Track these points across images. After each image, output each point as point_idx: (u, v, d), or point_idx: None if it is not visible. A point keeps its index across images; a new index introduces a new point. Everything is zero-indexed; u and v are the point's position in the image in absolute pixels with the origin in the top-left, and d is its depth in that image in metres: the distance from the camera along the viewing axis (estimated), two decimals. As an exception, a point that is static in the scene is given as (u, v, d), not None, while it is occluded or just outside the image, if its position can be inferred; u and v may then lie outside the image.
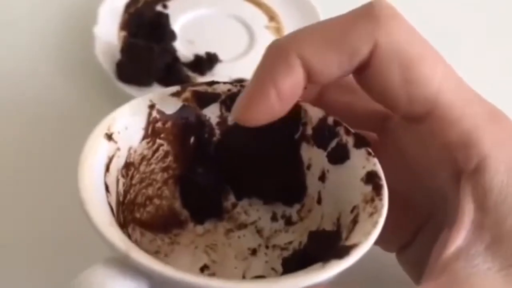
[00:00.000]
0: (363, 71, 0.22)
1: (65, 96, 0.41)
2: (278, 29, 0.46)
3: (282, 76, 0.22)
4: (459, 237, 0.21)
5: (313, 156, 0.26)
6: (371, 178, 0.23)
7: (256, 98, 0.22)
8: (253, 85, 0.23)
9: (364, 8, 0.22)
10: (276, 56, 0.22)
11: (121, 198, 0.24)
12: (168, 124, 0.26)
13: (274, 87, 0.22)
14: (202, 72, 0.42)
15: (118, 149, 0.24)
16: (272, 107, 0.22)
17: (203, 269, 0.26)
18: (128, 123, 0.25)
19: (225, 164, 0.27)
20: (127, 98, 0.38)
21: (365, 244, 0.20)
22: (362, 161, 0.23)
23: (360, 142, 0.24)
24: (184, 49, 0.43)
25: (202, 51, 0.43)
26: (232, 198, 0.28)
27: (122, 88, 0.39)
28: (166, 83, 0.40)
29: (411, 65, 0.22)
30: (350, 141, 0.24)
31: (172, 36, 0.44)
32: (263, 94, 0.22)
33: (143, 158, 0.26)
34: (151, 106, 0.25)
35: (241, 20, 0.47)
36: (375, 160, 0.23)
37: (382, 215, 0.21)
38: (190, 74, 0.41)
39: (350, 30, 0.22)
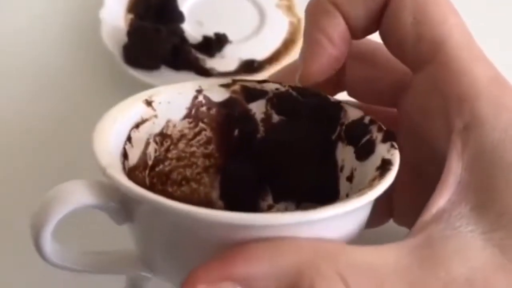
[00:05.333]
0: (383, 13, 0.23)
1: (72, 80, 0.40)
2: (289, 7, 0.45)
3: (326, 22, 0.24)
4: (442, 198, 0.20)
5: (346, 156, 0.25)
6: (383, 165, 0.22)
7: (312, 51, 0.24)
8: (305, 42, 0.25)
9: None
10: (314, 9, 0.25)
11: (149, 162, 0.25)
12: (213, 111, 0.27)
13: (324, 34, 0.24)
14: (211, 54, 0.41)
15: (155, 116, 0.25)
16: (329, 55, 0.24)
17: None
18: (172, 98, 0.26)
19: (266, 162, 0.27)
20: (134, 82, 0.38)
21: (328, 208, 0.18)
22: (383, 153, 0.23)
23: (388, 137, 0.23)
24: (193, 30, 0.42)
25: (211, 32, 0.42)
26: (269, 200, 0.28)
27: (129, 72, 0.38)
28: (174, 65, 0.39)
29: (423, 7, 0.23)
30: (379, 137, 0.23)
31: (180, 17, 0.43)
32: (316, 44, 0.24)
33: (182, 135, 0.26)
34: (199, 91, 0.26)
35: (251, -1, 0.45)
36: (395, 151, 0.22)
37: (369, 194, 0.19)
38: (199, 55, 0.40)
39: None
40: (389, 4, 0.23)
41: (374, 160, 0.23)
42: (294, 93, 0.26)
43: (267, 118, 0.27)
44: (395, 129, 0.24)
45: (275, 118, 0.27)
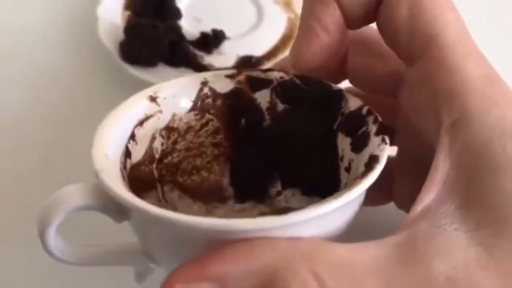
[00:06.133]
0: (380, 4, 0.24)
1: (69, 77, 0.40)
2: (287, 3, 0.45)
3: (321, 11, 0.24)
4: (428, 196, 0.20)
5: (345, 147, 0.25)
6: (369, 162, 0.22)
7: (306, 37, 0.25)
8: (301, 28, 0.25)
9: None
10: None
11: (157, 156, 0.26)
12: (218, 102, 0.27)
13: (318, 22, 0.24)
14: (208, 50, 0.40)
15: (160, 111, 0.25)
16: (322, 42, 0.24)
17: None
18: (177, 92, 0.26)
19: (274, 150, 0.28)
20: (132, 79, 0.37)
21: (300, 212, 0.19)
22: (373, 148, 0.22)
23: (381, 130, 0.23)
24: (190, 27, 0.42)
25: (208, 29, 0.41)
26: (278, 186, 0.28)
27: (126, 69, 0.38)
28: (171, 62, 0.39)
29: (419, 1, 0.22)
30: (373, 129, 0.23)
31: (177, 14, 0.43)
32: (310, 31, 0.24)
33: (189, 127, 0.27)
34: (204, 83, 0.26)
35: (248, -5, 0.45)
36: (385, 146, 0.22)
37: (344, 197, 0.19)
38: (197, 52, 0.40)
39: None
40: None
41: (366, 154, 0.23)
42: (297, 81, 0.26)
43: (272, 107, 0.27)
44: (395, 119, 0.23)
45: (280, 106, 0.27)
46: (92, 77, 0.40)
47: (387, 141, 0.22)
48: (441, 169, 0.20)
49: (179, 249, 0.21)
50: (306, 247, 0.19)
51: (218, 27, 0.41)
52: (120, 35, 0.39)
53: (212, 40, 0.41)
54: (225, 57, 0.40)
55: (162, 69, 0.39)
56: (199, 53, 0.40)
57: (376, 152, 0.22)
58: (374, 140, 0.23)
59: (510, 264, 0.18)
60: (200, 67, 0.39)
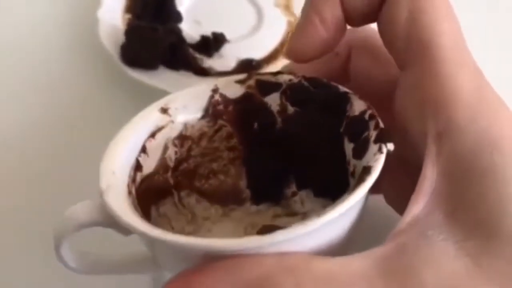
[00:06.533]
0: (382, 4, 0.24)
1: (70, 80, 0.40)
2: (287, 6, 0.45)
3: (323, 4, 0.24)
4: (416, 206, 0.20)
5: (349, 152, 0.25)
6: (361, 175, 0.21)
7: (304, 29, 0.25)
8: (300, 19, 0.25)
9: None
10: None
11: (171, 164, 0.27)
12: (230, 108, 0.27)
13: (317, 15, 0.24)
14: (209, 53, 0.41)
15: (172, 121, 0.26)
16: (319, 34, 0.25)
17: None
18: (188, 101, 0.27)
19: (287, 152, 0.28)
20: (132, 81, 0.38)
21: (287, 229, 0.19)
22: (369, 158, 0.22)
23: (379, 137, 0.23)
24: (191, 30, 0.42)
25: (208, 32, 0.42)
26: (293, 187, 0.28)
27: (127, 72, 0.38)
28: (172, 65, 0.39)
29: (418, 7, 0.22)
30: (373, 136, 0.23)
31: (177, 17, 0.43)
32: (309, 22, 0.25)
33: (202, 134, 0.27)
34: (215, 90, 0.27)
35: (248, -2, 0.45)
36: (380, 156, 0.22)
37: (329, 213, 0.19)
38: (197, 55, 0.40)
39: None
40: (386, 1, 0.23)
41: (364, 162, 0.22)
42: (305, 84, 0.26)
43: (282, 110, 0.27)
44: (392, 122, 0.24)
45: (290, 109, 0.27)
46: (93, 80, 0.40)
47: (383, 150, 0.22)
48: (429, 178, 0.20)
49: (178, 262, 0.21)
50: (291, 262, 0.19)
51: (219, 30, 0.42)
52: (121, 38, 0.39)
53: (212, 43, 0.41)
54: (225, 60, 0.40)
55: (162, 72, 0.39)
56: (199, 56, 0.40)
57: (370, 163, 0.22)
58: (372, 148, 0.23)
59: (499, 276, 0.18)
60: (200, 70, 0.39)
